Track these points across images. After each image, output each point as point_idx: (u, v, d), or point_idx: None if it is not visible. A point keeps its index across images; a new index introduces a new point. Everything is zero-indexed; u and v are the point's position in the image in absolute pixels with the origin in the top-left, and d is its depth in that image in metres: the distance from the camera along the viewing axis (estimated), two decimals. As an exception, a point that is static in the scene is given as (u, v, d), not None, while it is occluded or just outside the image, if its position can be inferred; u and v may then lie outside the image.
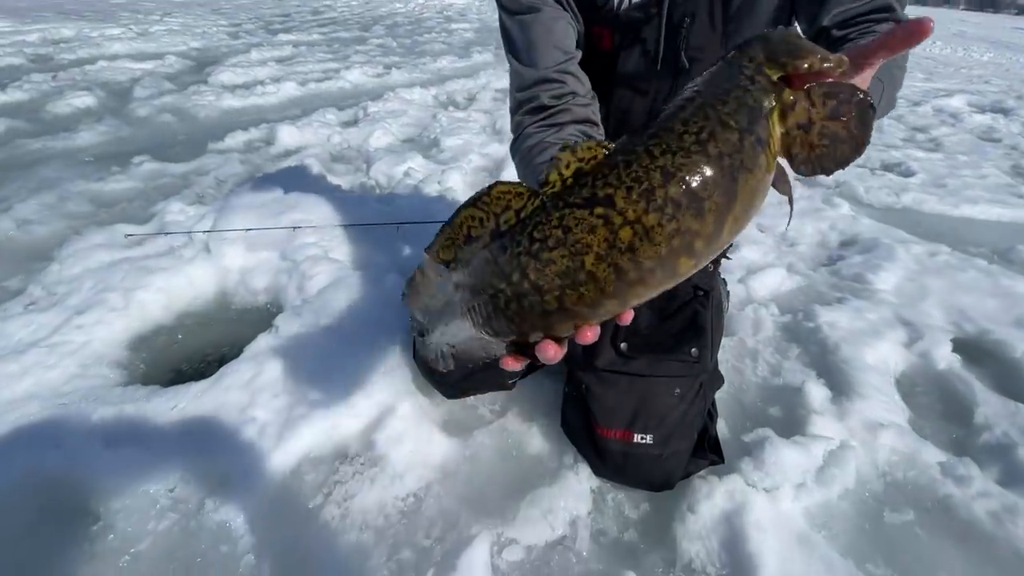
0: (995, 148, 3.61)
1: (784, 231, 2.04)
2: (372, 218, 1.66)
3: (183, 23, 5.65)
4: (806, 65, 0.39)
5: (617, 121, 0.92)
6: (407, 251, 1.55)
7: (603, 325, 0.43)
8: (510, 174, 2.25)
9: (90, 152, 2.31)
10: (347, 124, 2.90)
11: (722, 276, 1.50)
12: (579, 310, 0.39)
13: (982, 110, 4.75)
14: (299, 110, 3.14)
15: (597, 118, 0.85)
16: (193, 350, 1.33)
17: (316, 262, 1.43)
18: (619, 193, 0.37)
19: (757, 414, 1.18)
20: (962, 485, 1.02)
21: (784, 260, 1.83)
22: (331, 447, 1.02)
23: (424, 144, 2.67)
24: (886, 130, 3.88)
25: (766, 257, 1.83)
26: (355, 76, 3.97)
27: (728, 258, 1.08)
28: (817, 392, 1.19)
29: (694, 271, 0.40)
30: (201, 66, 3.95)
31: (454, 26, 7.44)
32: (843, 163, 0.41)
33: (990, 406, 1.22)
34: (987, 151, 3.51)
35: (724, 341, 1.39)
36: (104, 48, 4.12)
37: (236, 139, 2.54)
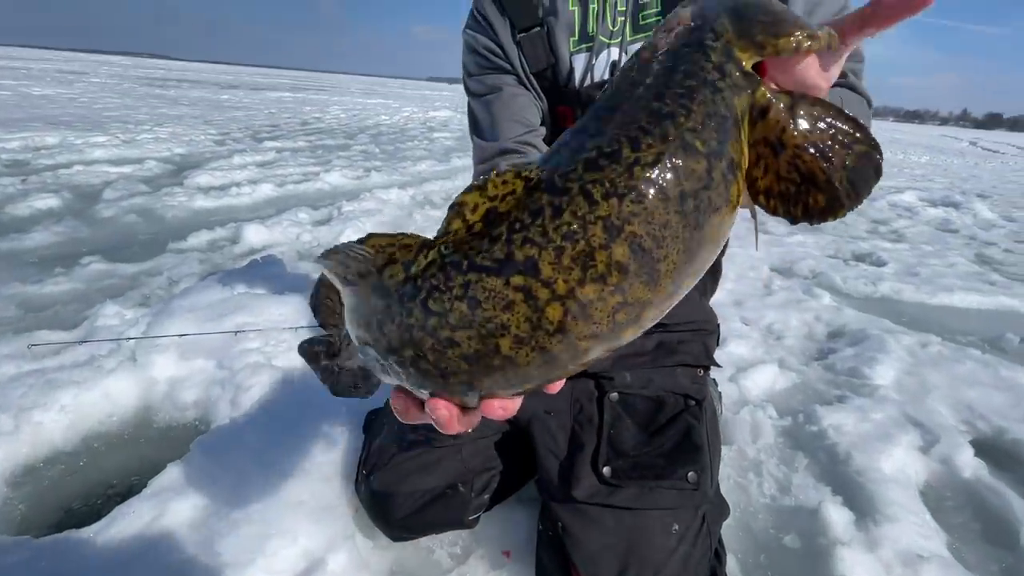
0: (955, 238, 3.75)
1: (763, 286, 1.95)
2: (328, 318, 1.52)
3: (172, 132, 5.86)
4: (793, 44, 0.29)
5: None
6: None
7: (582, 448, 0.33)
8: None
9: (37, 253, 2.19)
10: (319, 223, 2.87)
11: (712, 376, 1.37)
12: (493, 390, 0.30)
13: (934, 204, 5.03)
14: (273, 209, 3.12)
15: None
16: (94, 482, 1.10)
17: (256, 370, 1.26)
18: (545, 256, 0.27)
19: (770, 545, 0.98)
20: (1035, 638, 0.82)
21: (774, 355, 1.72)
22: (238, 617, 0.79)
23: (396, 241, 2.63)
24: (849, 222, 4.04)
25: (755, 352, 1.72)
26: (334, 178, 4.05)
27: (719, 366, 0.96)
28: (837, 515, 1.01)
29: (637, 335, 0.31)
30: (180, 170, 4.00)
31: (436, 135, 7.92)
32: (813, 215, 0.31)
33: (1036, 525, 1.04)
34: (948, 241, 3.64)
35: (723, 452, 1.22)
36: (85, 154, 4.18)
37: (199, 238, 2.45)
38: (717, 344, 0.99)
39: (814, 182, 0.30)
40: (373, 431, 1.00)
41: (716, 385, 1.36)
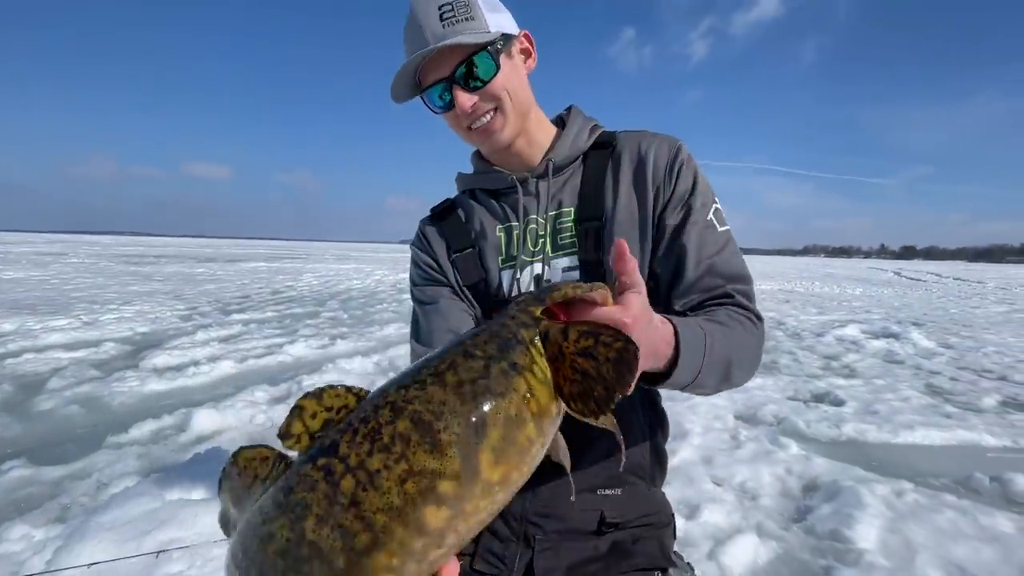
0: (902, 370, 3.91)
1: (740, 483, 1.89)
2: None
3: (139, 310, 5.90)
4: (562, 293, 0.41)
5: None
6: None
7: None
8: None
9: (-47, 461, 2.00)
10: (276, 400, 2.78)
11: (686, 560, 1.27)
12: None
13: (876, 336, 5.35)
14: (230, 388, 3.03)
15: None
16: None
17: (173, 602, 1.10)
18: (344, 437, 0.32)
19: None
20: None
21: (751, 520, 1.63)
22: None
23: (355, 416, 2.55)
24: (803, 360, 4.20)
25: (731, 518, 1.63)
26: (298, 349, 4.05)
27: (675, 565, 0.90)
28: None
29: (453, 523, 0.32)
30: (138, 350, 3.94)
31: (404, 296, 8.24)
32: (599, 404, 0.38)
33: None
34: (897, 373, 3.79)
35: (709, 657, 1.08)
36: (39, 340, 4.10)
37: (143, 429, 2.32)
38: (674, 537, 0.94)
39: (590, 376, 0.38)
40: None
41: (693, 571, 1.26)
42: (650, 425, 0.88)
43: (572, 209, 0.84)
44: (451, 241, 0.91)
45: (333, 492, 0.31)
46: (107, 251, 23.60)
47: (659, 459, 0.98)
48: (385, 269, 15.43)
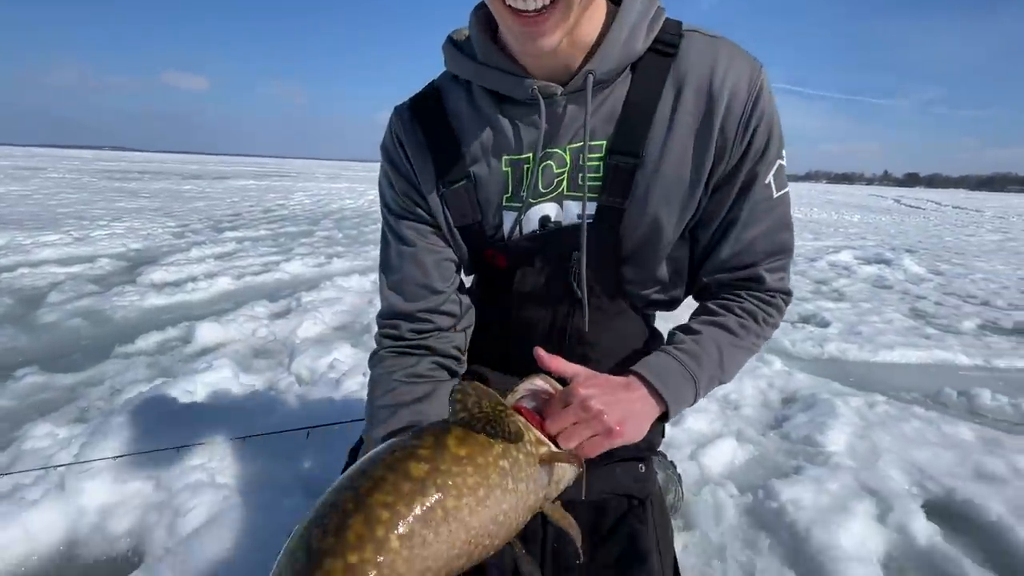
0: (890, 294, 4.01)
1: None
2: (281, 423, 1.47)
3: (129, 227, 5.81)
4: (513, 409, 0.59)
5: (519, 335, 0.87)
6: (312, 463, 1.34)
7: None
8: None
9: (-33, 368, 2.06)
10: (277, 316, 2.84)
11: (670, 459, 1.38)
12: None
13: (868, 262, 5.41)
14: (229, 304, 3.07)
15: (460, 351, 0.84)
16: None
17: (197, 491, 1.19)
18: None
19: (740, 643, 0.95)
20: None
21: (732, 426, 1.75)
22: None
23: (355, 331, 2.61)
24: (794, 284, 4.25)
25: (713, 425, 1.75)
26: (295, 267, 4.06)
27: (661, 454, 0.97)
28: (802, 602, 0.99)
29: None
30: (134, 266, 3.93)
31: (398, 216, 8.11)
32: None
33: (992, 592, 1.05)
34: (884, 297, 3.89)
35: (685, 538, 1.20)
36: (32, 255, 4.07)
37: (148, 340, 2.38)
38: (663, 434, 1.01)
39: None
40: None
41: (675, 468, 1.37)
42: (645, 343, 0.91)
43: (605, 142, 0.69)
44: (440, 167, 0.75)
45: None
46: (88, 166, 22.75)
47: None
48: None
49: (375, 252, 5.12)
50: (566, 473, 0.58)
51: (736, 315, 0.75)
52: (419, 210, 0.78)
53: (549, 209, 0.74)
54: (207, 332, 2.44)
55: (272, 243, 5.30)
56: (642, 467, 0.88)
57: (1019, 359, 2.56)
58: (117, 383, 1.92)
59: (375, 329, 0.83)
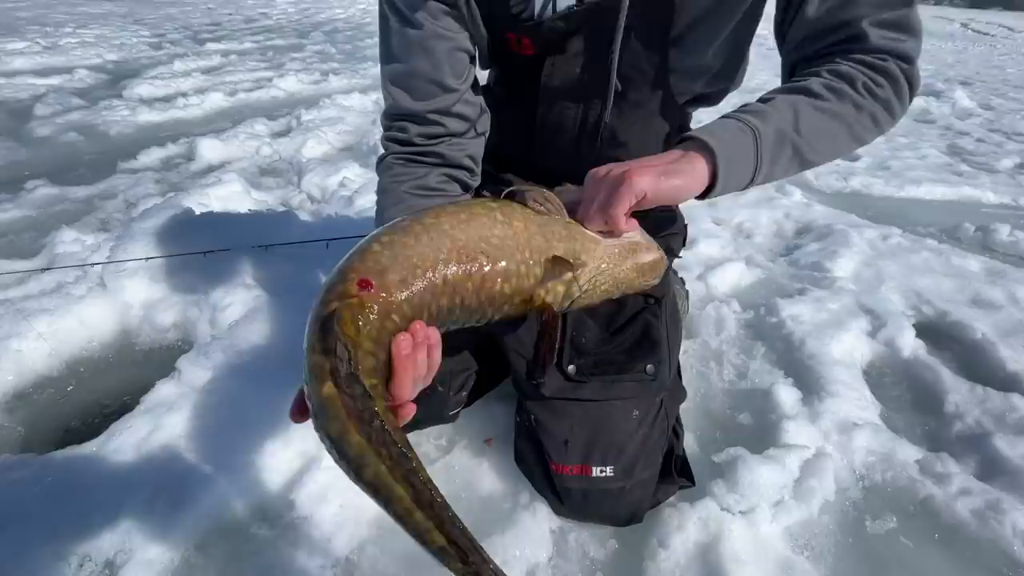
0: (931, 129, 3.74)
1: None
2: (299, 235, 1.49)
3: (99, 35, 5.24)
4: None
5: (545, 137, 0.81)
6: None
7: (548, 347, 0.50)
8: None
9: (-25, 179, 2.04)
10: (278, 134, 2.70)
11: (680, 275, 1.42)
12: None
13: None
14: (227, 122, 2.91)
15: (474, 160, 0.76)
16: (87, 403, 1.14)
17: (230, 291, 1.26)
18: None
19: (726, 423, 1.09)
20: (942, 484, 0.95)
21: (742, 253, 1.77)
22: (244, 510, 0.86)
23: (362, 152, 2.51)
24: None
25: (724, 251, 1.77)
26: (290, 84, 3.75)
27: (679, 256, 0.98)
28: (787, 394, 1.11)
29: None
30: (116, 80, 3.64)
31: (397, 30, 7.24)
32: None
33: (959, 393, 1.17)
34: (923, 132, 3.63)
35: (687, 344, 1.30)
36: (3, 64, 3.74)
37: (151, 156, 2.31)
38: (683, 244, 1.02)
39: None
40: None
41: (684, 284, 1.42)
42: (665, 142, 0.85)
43: None
44: None
45: None
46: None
47: None
48: (371, -3, 13.22)
49: (373, 70, 4.68)
50: (597, 248, 0.56)
51: (822, 77, 0.61)
52: None
53: None
54: (209, 149, 2.35)
55: (261, 57, 4.82)
56: (662, 270, 0.90)
57: (1047, 199, 2.49)
58: (130, 196, 1.91)
59: (381, 132, 0.78)
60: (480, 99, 0.77)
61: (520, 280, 0.51)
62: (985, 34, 16.73)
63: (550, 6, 0.69)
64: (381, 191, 0.76)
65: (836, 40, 0.61)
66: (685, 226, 1.01)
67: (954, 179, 2.63)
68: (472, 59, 0.75)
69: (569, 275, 0.54)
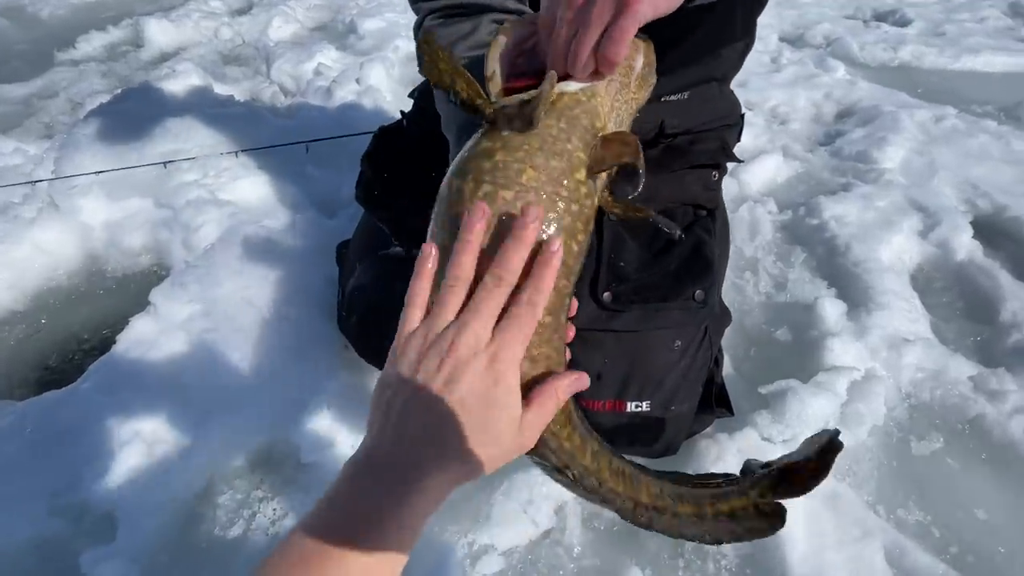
0: (990, -16, 3.24)
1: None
2: (272, 138, 1.29)
3: None
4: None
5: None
6: (318, 178, 1.22)
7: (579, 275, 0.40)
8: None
9: None
10: (238, 12, 2.32)
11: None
12: None
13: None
14: (176, -2, 2.49)
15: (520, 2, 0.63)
16: (64, 338, 1.04)
17: (201, 207, 1.10)
18: None
19: (762, 341, 1.00)
20: (995, 401, 0.88)
21: (778, 143, 1.57)
22: (248, 455, 0.80)
23: (338, 31, 2.16)
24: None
25: (757, 140, 1.57)
26: (244, -54, 3.17)
27: (740, 161, 0.82)
28: (831, 307, 1.00)
29: None
30: (39, -54, 3.07)
31: None
32: None
33: (1018, 300, 1.06)
34: (983, -12, 3.15)
35: (718, 252, 1.18)
36: (-99, -71, 3.14)
37: (93, 43, 1.98)
38: (739, 137, 0.84)
39: None
40: (346, 267, 0.91)
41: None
42: None
43: None
44: None
45: None
46: None
47: (742, 49, 0.78)
48: None
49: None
50: (599, 99, 0.41)
51: None
52: None
53: None
54: (159, 32, 2.01)
55: (207, -87, 4.06)
56: (715, 175, 0.75)
57: (1119, 66, 2.19)
58: (73, 94, 1.66)
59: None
60: None
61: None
62: None
63: None
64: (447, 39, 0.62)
65: None
66: (742, 116, 0.82)
67: (1016, 46, 2.30)
68: None
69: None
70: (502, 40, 0.42)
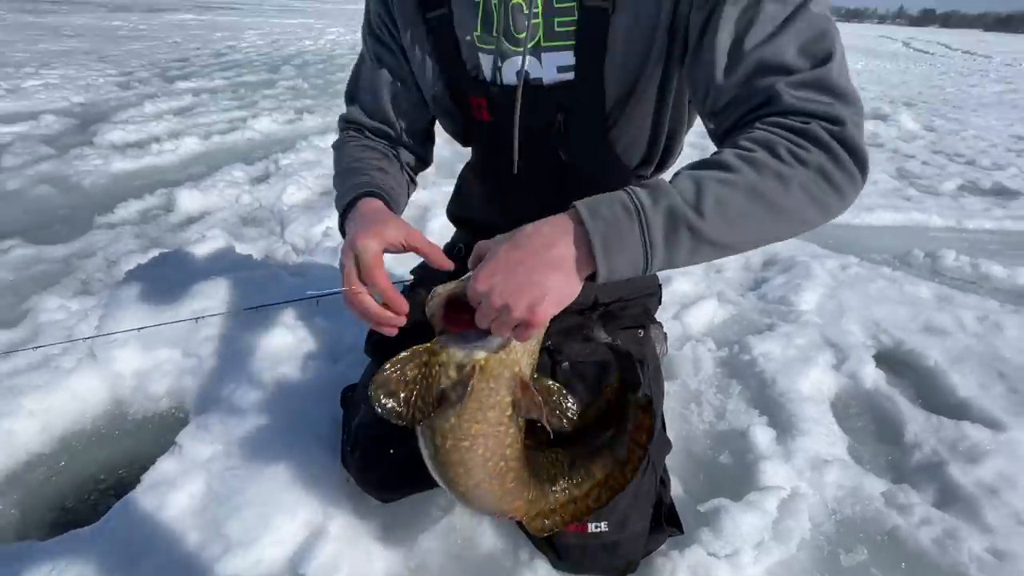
0: (881, 153, 4.00)
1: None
2: (286, 293, 1.52)
3: (63, 75, 5.17)
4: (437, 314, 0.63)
5: (515, 200, 0.87)
6: (330, 326, 1.43)
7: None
8: (439, 221, 2.18)
9: (-55, 240, 2.00)
10: (257, 180, 2.72)
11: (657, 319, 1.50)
12: None
13: (865, 117, 5.27)
14: (203, 167, 2.92)
15: (413, 172, 0.95)
16: (82, 479, 1.14)
17: (225, 356, 1.28)
18: None
19: (708, 465, 1.16)
20: (905, 514, 1.04)
21: (714, 289, 1.87)
22: (256, 588, 0.88)
23: (343, 196, 2.55)
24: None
25: (697, 287, 1.87)
26: (264, 125, 3.77)
27: (658, 323, 1.06)
28: (762, 434, 1.19)
29: None
30: (85, 124, 3.60)
31: (368, 62, 7.33)
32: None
33: (917, 423, 1.27)
34: (875, 157, 3.86)
35: (669, 386, 1.37)
36: (-34, 111, 3.67)
37: (129, 209, 2.30)
38: (659, 302, 1.09)
39: None
40: (350, 407, 1.07)
41: (661, 327, 1.50)
42: None
43: None
44: None
45: None
46: (-12, -7, 19.18)
47: None
48: (339, 27, 13.34)
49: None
50: (515, 355, 0.62)
51: (737, 147, 0.54)
52: (390, 39, 0.81)
53: (528, 63, 0.71)
54: (188, 199, 2.36)
55: (232, 95, 4.83)
56: (641, 332, 0.98)
57: (987, 220, 2.70)
58: (110, 254, 1.91)
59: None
60: (426, 154, 0.96)
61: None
62: (926, 52, 17.91)
63: (497, 77, 0.76)
64: (339, 152, 0.89)
65: (750, 108, 0.57)
66: (659, 286, 1.09)
67: (903, 204, 2.83)
68: (419, 108, 0.88)
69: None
70: (441, 292, 0.58)
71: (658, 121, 0.77)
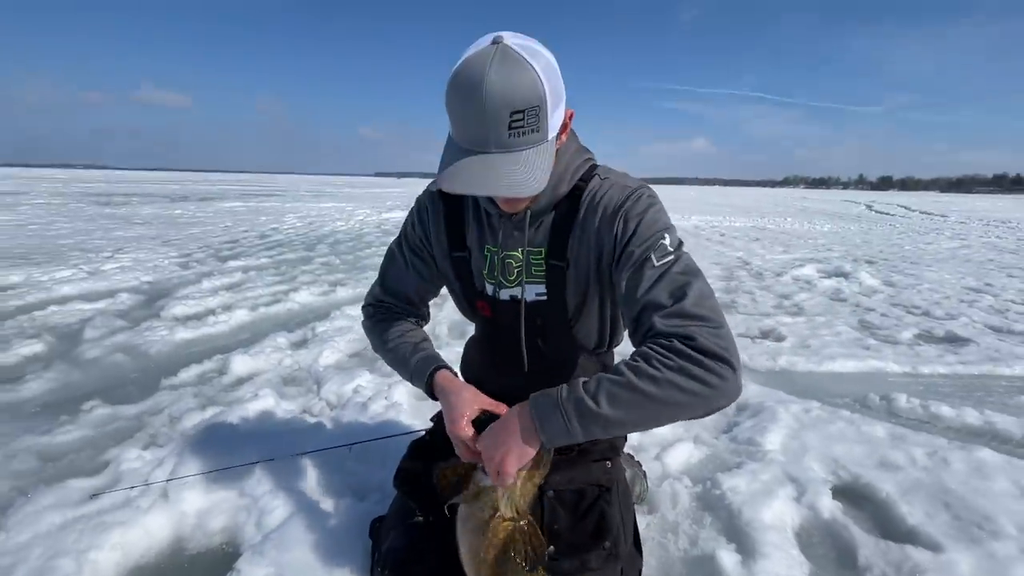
0: (843, 307, 4.48)
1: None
2: (325, 441, 1.82)
3: (134, 258, 6.08)
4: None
5: (504, 359, 1.25)
6: (359, 469, 1.70)
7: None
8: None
9: (37, 402, 2.37)
10: (297, 345, 3.17)
11: (636, 459, 1.76)
12: None
13: (829, 275, 5.91)
14: (250, 335, 3.40)
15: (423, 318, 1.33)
16: (142, 608, 1.32)
17: (274, 496, 1.54)
18: None
19: (685, 589, 1.33)
20: (858, 630, 1.19)
21: (691, 432, 2.14)
22: None
23: (369, 358, 2.96)
24: (759, 300, 4.72)
25: (675, 431, 2.14)
26: (303, 297, 4.39)
27: (625, 454, 1.34)
28: (729, 559, 1.37)
29: None
30: (152, 300, 4.23)
31: (391, 239, 8.44)
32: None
33: (868, 548, 1.45)
34: (838, 310, 4.35)
35: (649, 519, 1.58)
36: (53, 292, 4.34)
37: (189, 373, 2.70)
38: (625, 439, 1.39)
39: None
40: (380, 536, 1.31)
41: (641, 466, 1.75)
42: (592, 370, 1.27)
43: (543, 249, 1.06)
44: (451, 241, 1.16)
45: None
46: (69, 188, 22.66)
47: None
48: (366, 208, 15.39)
49: (375, 278, 5.47)
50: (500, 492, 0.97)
51: (628, 359, 0.81)
52: (424, 253, 1.21)
53: (516, 292, 1.14)
54: (239, 364, 2.77)
55: (275, 272, 5.61)
56: (609, 463, 1.26)
57: (941, 365, 3.01)
58: (174, 412, 2.25)
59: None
60: (428, 311, 1.35)
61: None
62: (886, 214, 19.91)
63: (497, 294, 1.18)
64: (378, 328, 1.24)
65: (644, 332, 0.85)
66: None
67: (863, 353, 3.18)
68: (428, 293, 1.28)
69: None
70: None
71: (602, 319, 1.18)
